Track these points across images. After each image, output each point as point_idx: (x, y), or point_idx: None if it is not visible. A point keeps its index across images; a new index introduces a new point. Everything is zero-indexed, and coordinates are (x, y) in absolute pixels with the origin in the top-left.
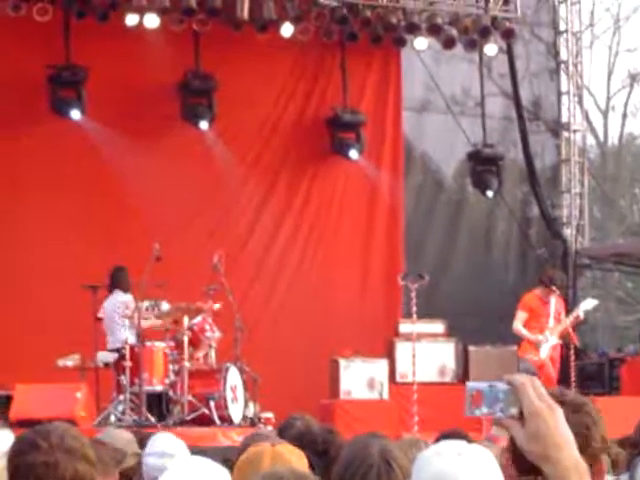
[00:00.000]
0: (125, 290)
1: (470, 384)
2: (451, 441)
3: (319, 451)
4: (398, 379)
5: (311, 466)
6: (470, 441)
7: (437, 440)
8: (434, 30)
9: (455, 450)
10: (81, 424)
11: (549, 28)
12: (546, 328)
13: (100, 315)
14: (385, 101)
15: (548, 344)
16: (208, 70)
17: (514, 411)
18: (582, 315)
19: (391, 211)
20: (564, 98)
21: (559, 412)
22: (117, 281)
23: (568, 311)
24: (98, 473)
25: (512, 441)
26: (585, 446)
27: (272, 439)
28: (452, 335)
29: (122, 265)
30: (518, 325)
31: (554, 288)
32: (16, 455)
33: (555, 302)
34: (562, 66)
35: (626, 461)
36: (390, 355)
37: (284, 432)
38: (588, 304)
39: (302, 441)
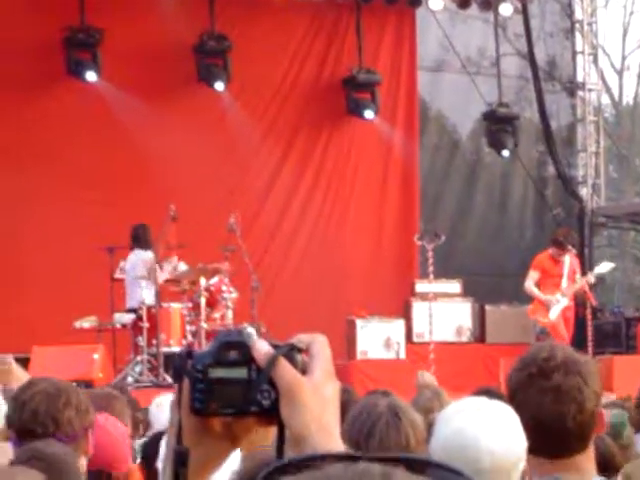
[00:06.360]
0: (145, 248)
1: None
2: (473, 398)
3: None
4: (415, 339)
5: None
6: (501, 399)
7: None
8: None
9: (475, 406)
10: (98, 385)
11: None
12: (559, 288)
13: (117, 276)
14: (400, 61)
15: (559, 305)
16: (223, 31)
17: None
18: (593, 279)
19: (406, 171)
20: (579, 58)
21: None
22: (137, 239)
23: (584, 270)
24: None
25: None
26: (581, 408)
27: None
28: (468, 295)
29: (143, 223)
30: (530, 284)
31: (567, 247)
32: (16, 397)
33: (570, 261)
34: (577, 25)
35: (636, 422)
36: (407, 315)
37: None
38: (603, 267)
39: None
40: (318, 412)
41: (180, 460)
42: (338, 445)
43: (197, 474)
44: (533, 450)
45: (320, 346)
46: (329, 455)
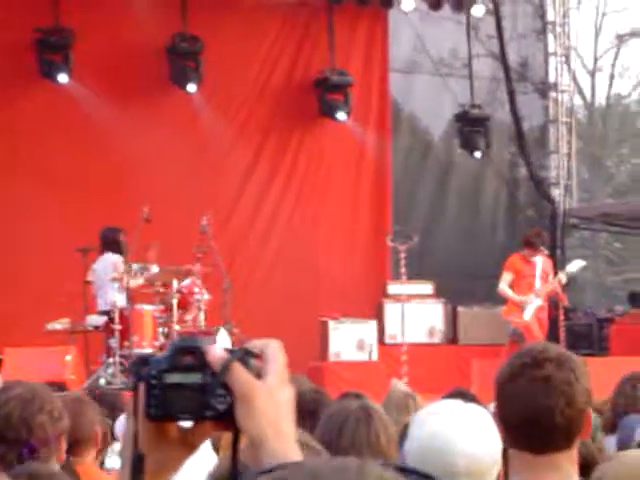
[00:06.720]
0: (115, 251)
1: None
2: (448, 401)
3: (308, 412)
4: (387, 340)
5: (300, 426)
6: (473, 401)
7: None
8: None
9: (450, 409)
10: (71, 387)
11: None
12: (532, 289)
13: (89, 278)
14: (372, 63)
15: (532, 306)
16: (195, 33)
17: None
18: (564, 279)
19: (379, 172)
20: (551, 59)
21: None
22: (106, 242)
23: (556, 271)
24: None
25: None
26: (570, 402)
27: None
28: (441, 296)
29: (115, 226)
30: (504, 286)
31: (539, 248)
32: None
33: (542, 262)
34: (549, 27)
35: (609, 424)
36: (379, 316)
37: None
38: (574, 266)
39: None
40: (273, 416)
41: (136, 465)
42: (294, 449)
43: (154, 479)
44: (516, 444)
45: (274, 351)
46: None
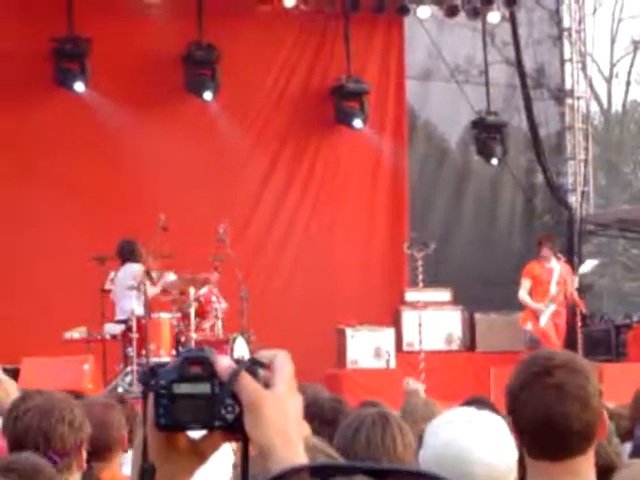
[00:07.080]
0: (134, 261)
1: None
2: (462, 409)
3: (327, 420)
4: (405, 348)
5: (319, 435)
6: (490, 408)
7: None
8: None
9: (465, 417)
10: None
11: None
12: (547, 295)
13: (107, 287)
14: (388, 70)
15: (548, 312)
16: (211, 41)
17: None
18: (578, 281)
19: (395, 180)
20: (567, 65)
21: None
22: (128, 254)
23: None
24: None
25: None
26: (585, 406)
27: None
28: (458, 303)
29: (131, 238)
30: (523, 293)
31: (553, 254)
32: (10, 411)
33: (559, 268)
34: (565, 33)
35: (627, 431)
36: (396, 324)
37: None
38: (587, 266)
39: (310, 410)
40: (281, 424)
41: (146, 476)
42: (302, 457)
43: None
44: (533, 452)
45: (282, 361)
46: (327, 466)
